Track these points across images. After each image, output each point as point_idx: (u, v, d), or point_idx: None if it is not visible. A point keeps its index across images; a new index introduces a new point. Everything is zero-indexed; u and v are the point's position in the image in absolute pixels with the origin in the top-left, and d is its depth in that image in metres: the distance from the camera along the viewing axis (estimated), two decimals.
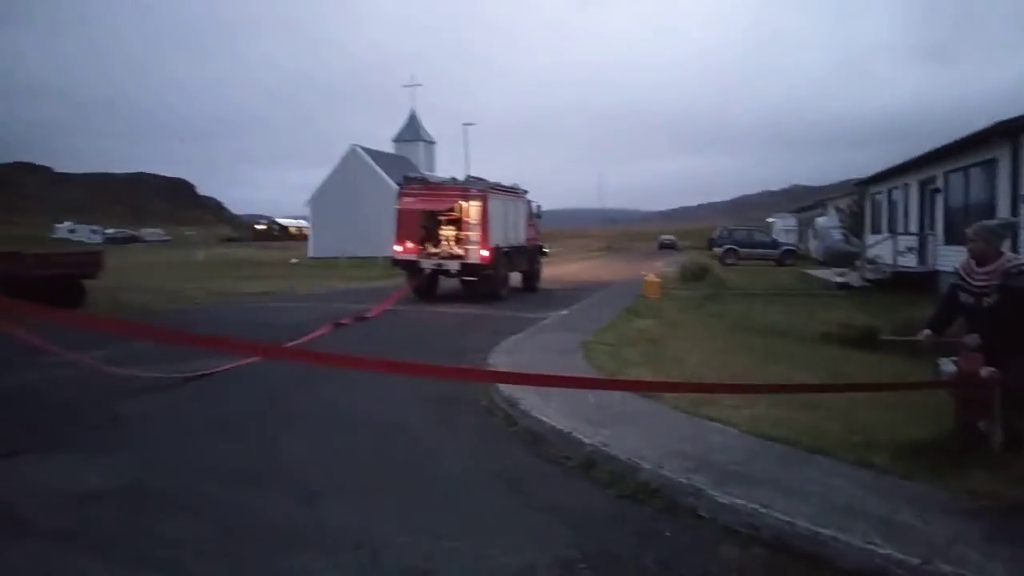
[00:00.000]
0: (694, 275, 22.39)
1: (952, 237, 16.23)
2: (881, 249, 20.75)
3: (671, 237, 75.59)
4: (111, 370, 7.89)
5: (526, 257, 20.39)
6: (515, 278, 20.04)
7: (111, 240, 78.63)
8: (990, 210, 14.23)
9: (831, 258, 26.15)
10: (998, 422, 5.09)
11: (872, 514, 4.00)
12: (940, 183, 17.59)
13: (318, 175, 48.64)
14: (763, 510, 4.10)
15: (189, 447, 5.78)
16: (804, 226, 46.71)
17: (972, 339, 5.05)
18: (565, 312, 14.63)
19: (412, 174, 20.03)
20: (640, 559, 3.80)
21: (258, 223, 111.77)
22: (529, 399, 6.72)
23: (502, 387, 7.32)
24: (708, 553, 3.86)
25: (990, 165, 14.61)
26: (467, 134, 65.13)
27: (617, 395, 6.96)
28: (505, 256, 18.31)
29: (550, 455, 5.53)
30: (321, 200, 47.15)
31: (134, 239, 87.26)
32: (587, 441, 5.44)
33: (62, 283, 15.54)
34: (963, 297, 5.18)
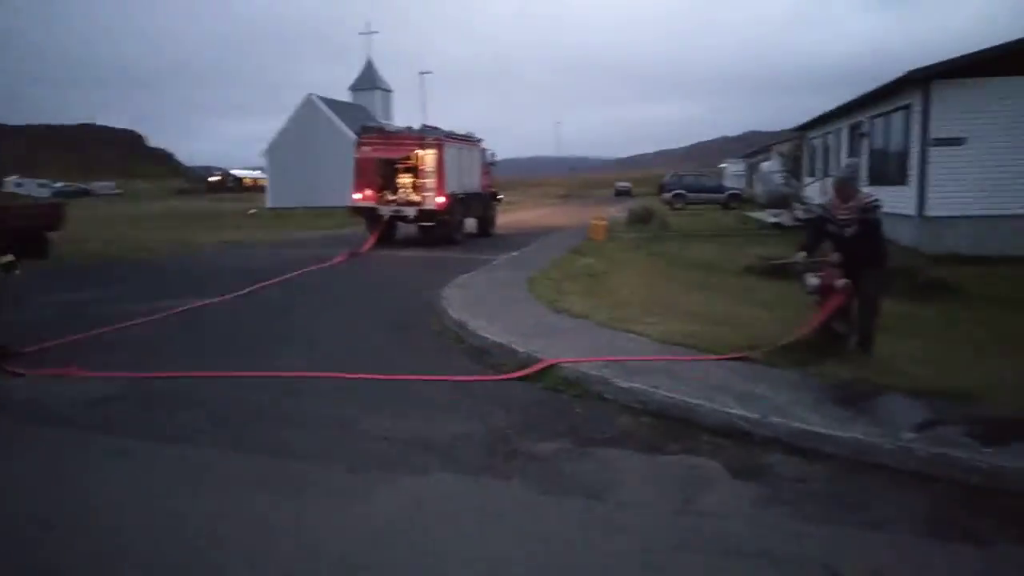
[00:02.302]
0: (640, 219, 23.52)
1: (876, 178, 17.51)
2: (813, 190, 22.10)
3: (627, 184, 76.80)
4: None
5: (480, 203, 21.27)
6: (470, 224, 20.95)
7: (60, 194, 76.47)
8: (907, 152, 15.55)
9: (771, 200, 27.50)
10: (854, 325, 6.37)
11: (736, 390, 5.18)
12: (866, 128, 18.84)
13: (274, 126, 48.26)
14: (651, 390, 5.24)
15: (182, 361, 6.70)
16: (752, 171, 48.22)
17: (835, 257, 6.33)
18: (516, 253, 15.66)
19: (369, 124, 20.60)
20: (554, 426, 4.92)
21: (211, 175, 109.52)
22: (476, 322, 7.78)
23: (452, 312, 8.37)
24: (608, 422, 5.00)
25: (906, 110, 15.84)
26: (424, 82, 64.89)
27: (554, 317, 8.10)
28: (460, 202, 19.17)
29: (491, 363, 6.61)
30: (278, 150, 46.88)
31: (85, 192, 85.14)
32: (521, 350, 6.53)
33: (26, 235, 15.95)
34: (830, 227, 6.39)
